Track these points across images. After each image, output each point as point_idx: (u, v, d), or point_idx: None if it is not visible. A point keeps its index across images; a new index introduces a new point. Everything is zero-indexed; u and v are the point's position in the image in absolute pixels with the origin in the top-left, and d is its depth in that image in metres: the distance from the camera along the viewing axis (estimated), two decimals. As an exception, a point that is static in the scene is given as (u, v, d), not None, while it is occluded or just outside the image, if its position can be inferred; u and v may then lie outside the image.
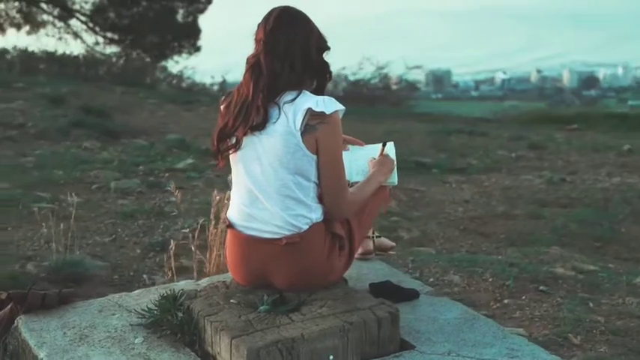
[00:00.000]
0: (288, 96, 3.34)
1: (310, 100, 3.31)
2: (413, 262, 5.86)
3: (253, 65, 3.41)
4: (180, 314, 3.41)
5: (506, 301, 5.16)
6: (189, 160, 8.93)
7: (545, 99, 55.41)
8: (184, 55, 28.38)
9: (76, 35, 28.15)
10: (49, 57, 21.53)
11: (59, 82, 16.57)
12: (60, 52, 22.66)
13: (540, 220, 7.94)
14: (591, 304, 5.09)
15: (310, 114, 3.29)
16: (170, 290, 3.60)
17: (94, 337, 3.44)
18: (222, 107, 3.52)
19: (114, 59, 23.89)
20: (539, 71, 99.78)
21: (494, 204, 8.67)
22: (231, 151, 3.45)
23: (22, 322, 3.60)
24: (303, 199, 3.38)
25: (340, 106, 3.36)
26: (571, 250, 6.80)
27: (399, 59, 27.98)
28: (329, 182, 3.39)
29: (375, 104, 23.51)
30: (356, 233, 3.60)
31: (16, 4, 27.93)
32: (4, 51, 21.20)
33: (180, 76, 25.21)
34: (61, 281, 5.04)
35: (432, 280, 5.50)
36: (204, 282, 3.97)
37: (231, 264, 3.59)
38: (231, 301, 3.42)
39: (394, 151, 3.98)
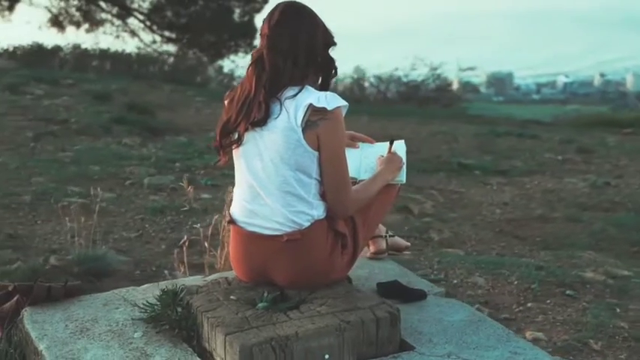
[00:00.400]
0: (290, 91, 3.31)
1: (312, 96, 3.27)
2: (439, 264, 5.80)
3: (256, 60, 3.39)
4: (179, 309, 3.39)
5: (529, 304, 5.08)
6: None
7: (608, 103, 54.52)
8: (240, 55, 28.50)
9: (133, 33, 28.48)
10: (102, 54, 21.76)
11: (109, 80, 16.71)
12: (113, 49, 22.92)
13: (578, 224, 7.79)
14: (618, 310, 4.99)
15: (312, 110, 3.25)
16: (172, 285, 3.59)
17: (94, 330, 3.44)
18: (225, 102, 3.50)
19: (165, 57, 24.02)
20: (602, 75, 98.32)
21: (533, 207, 8.54)
22: (233, 147, 3.43)
23: (26, 314, 3.61)
24: (304, 196, 3.35)
25: (343, 102, 3.32)
26: (606, 254, 6.66)
27: (459, 61, 27.74)
28: (331, 179, 3.35)
29: (427, 105, 23.37)
30: (360, 231, 3.55)
31: (76, 2, 28.33)
32: (58, 48, 21.46)
33: (231, 75, 25.26)
34: (82, 275, 5.08)
35: (455, 281, 5.44)
36: (211, 278, 3.94)
37: (234, 260, 3.57)
38: (231, 297, 3.39)
39: (405, 149, 3.92)
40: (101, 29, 27.85)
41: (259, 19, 26.83)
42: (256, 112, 3.32)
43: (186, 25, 27.03)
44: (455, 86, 28.51)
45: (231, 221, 3.50)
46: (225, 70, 26.76)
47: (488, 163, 11.20)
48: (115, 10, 28.40)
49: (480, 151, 12.26)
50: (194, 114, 13.58)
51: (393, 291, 3.75)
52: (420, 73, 25.37)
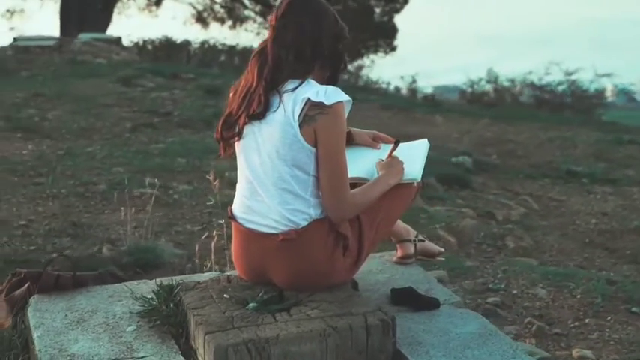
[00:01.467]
0: (290, 84, 3.19)
1: (311, 90, 3.14)
2: (503, 272, 5.55)
3: (260, 52, 3.29)
4: (171, 305, 3.32)
5: (587, 320, 4.80)
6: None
7: None
8: (380, 54, 28.41)
9: (273, 31, 28.67)
10: (230, 50, 21.98)
11: (231, 75, 16.74)
12: (242, 46, 23.05)
13: (678, 238, 7.35)
14: (683, 331, 4.65)
15: (310, 104, 3.12)
16: (169, 280, 3.53)
17: (91, 321, 3.40)
18: (230, 94, 3.40)
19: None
20: None
21: (632, 218, 8.11)
22: (234, 140, 3.33)
23: (33, 302, 3.61)
24: (301, 194, 3.21)
25: (344, 97, 3.17)
26: (698, 272, 6.25)
27: (595, 67, 26.68)
28: (326, 178, 3.19)
29: (562, 111, 22.68)
30: (367, 233, 3.38)
31: (220, -1, 28.90)
32: (186, 43, 21.81)
33: (356, 74, 25.14)
34: (130, 266, 5.08)
35: (515, 292, 5.20)
36: (226, 274, 3.84)
37: (234, 258, 3.47)
38: (224, 295, 3.29)
39: (426, 148, 3.72)
40: (244, 26, 28.44)
41: (399, 20, 26.83)
42: (256, 105, 3.21)
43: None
44: (608, 93, 27.46)
45: (231, 217, 3.40)
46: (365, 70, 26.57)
47: (600, 171, 10.72)
48: (257, 8, 28.83)
49: (595, 159, 11.77)
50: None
51: (406, 298, 3.57)
52: (554, 78, 24.64)
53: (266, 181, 3.23)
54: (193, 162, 8.12)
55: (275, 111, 3.17)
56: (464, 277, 5.42)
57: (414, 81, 24.67)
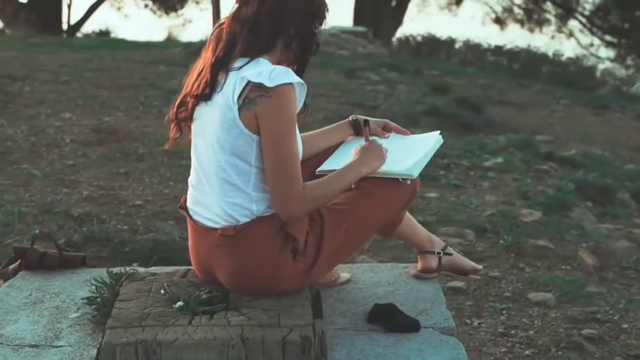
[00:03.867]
0: (238, 63, 2.88)
1: (255, 70, 2.81)
2: (627, 303, 4.87)
3: (217, 28, 2.99)
4: (109, 295, 3.10)
5: (667, 359, 4.10)
6: (499, 160, 8.14)
7: None
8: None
9: (570, 35, 27.98)
10: (496, 50, 21.25)
11: (484, 75, 16.16)
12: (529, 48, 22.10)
13: None
14: None
15: (252, 86, 2.79)
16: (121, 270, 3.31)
17: (47, 304, 3.25)
18: (190, 73, 3.12)
19: (561, 57, 22.84)
20: None
21: None
22: (187, 123, 3.05)
23: (16, 278, 3.52)
24: (242, 187, 2.88)
25: (294, 79, 2.82)
26: None
27: None
28: (270, 169, 2.83)
29: None
30: (329, 236, 2.97)
31: (520, 1, 28.50)
32: (452, 41, 21.35)
33: (631, 81, 23.50)
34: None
35: (625, 326, 4.56)
36: (186, 268, 3.53)
37: (190, 253, 3.18)
38: (161, 291, 3.02)
39: (435, 142, 3.23)
40: (544, 29, 27.90)
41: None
42: (204, 84, 2.92)
43: (628, 30, 26.02)
44: None
45: (182, 208, 3.13)
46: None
47: None
48: (557, 11, 28.14)
49: None
50: (545, 115, 12.69)
51: (382, 316, 3.12)
52: None
53: (208, 169, 2.94)
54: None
55: (219, 92, 2.88)
56: (574, 302, 4.80)
57: None
